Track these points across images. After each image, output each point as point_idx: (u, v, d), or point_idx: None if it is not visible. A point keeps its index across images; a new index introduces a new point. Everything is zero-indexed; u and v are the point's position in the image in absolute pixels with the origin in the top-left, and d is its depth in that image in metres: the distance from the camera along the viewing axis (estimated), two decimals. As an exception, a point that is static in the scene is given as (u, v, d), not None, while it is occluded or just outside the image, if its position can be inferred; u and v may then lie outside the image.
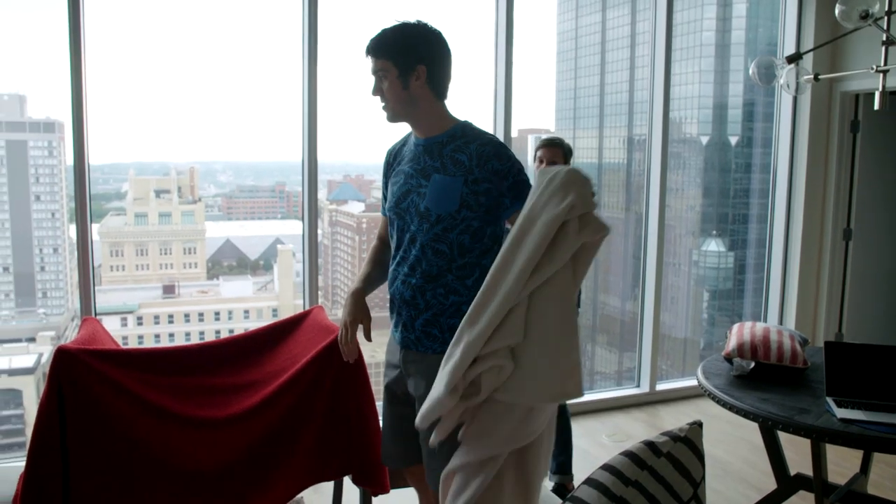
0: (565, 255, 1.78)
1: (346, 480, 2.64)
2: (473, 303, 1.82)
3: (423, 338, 2.08)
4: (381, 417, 2.44)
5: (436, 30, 2.13)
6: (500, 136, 4.29)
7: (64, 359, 2.19)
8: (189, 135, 5.75)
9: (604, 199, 6.20)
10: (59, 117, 5.54)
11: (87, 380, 2.18)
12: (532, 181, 2.00)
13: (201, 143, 5.92)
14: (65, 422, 2.17)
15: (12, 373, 5.58)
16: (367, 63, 2.13)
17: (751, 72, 4.22)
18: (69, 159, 5.52)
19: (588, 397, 5.15)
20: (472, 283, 2.07)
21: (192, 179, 6.05)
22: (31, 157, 5.58)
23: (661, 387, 5.33)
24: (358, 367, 2.36)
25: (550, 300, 1.80)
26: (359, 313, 2.21)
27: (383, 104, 2.13)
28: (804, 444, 3.09)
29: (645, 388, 5.28)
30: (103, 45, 4.04)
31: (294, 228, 6.22)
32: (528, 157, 5.07)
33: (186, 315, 5.84)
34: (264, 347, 2.51)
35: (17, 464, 3.99)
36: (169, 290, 5.86)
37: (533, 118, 5.94)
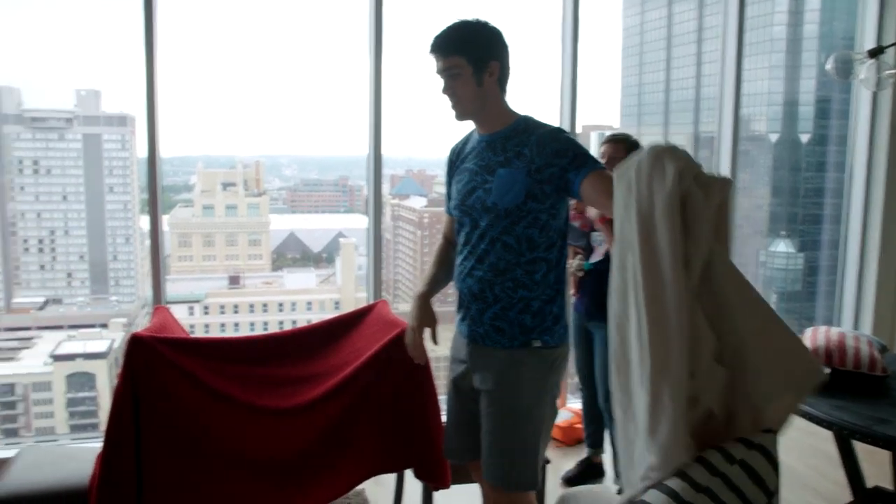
0: (707, 230, 1.52)
1: (408, 474, 2.65)
2: (642, 346, 1.53)
3: (491, 332, 2.07)
4: (444, 412, 2.43)
5: (496, 26, 2.11)
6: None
7: (137, 346, 2.24)
8: (255, 129, 5.86)
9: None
10: (131, 112, 5.72)
11: (159, 367, 2.23)
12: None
13: (267, 137, 6.03)
14: (138, 406, 2.23)
15: (87, 357, 5.78)
16: (433, 62, 2.09)
17: (828, 66, 4.07)
18: (140, 152, 5.68)
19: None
20: (540, 277, 2.05)
21: (258, 173, 6.17)
22: (106, 150, 5.76)
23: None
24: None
25: (724, 281, 1.56)
26: (425, 318, 2.20)
27: (453, 102, 2.09)
28: (881, 455, 2.97)
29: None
30: (174, 42, 4.13)
31: (356, 222, 6.29)
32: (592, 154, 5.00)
33: (251, 305, 5.96)
34: (329, 340, 2.53)
35: (92, 444, 4.13)
36: (234, 280, 5.99)
37: (597, 115, 5.87)
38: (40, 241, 5.78)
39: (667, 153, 1.53)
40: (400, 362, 2.34)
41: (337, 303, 6.06)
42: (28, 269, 5.85)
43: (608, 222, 3.03)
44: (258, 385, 2.36)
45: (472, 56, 2.03)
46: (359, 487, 2.65)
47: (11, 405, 5.74)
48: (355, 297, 5.98)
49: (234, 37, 5.39)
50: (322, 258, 6.28)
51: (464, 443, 2.24)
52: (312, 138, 6.02)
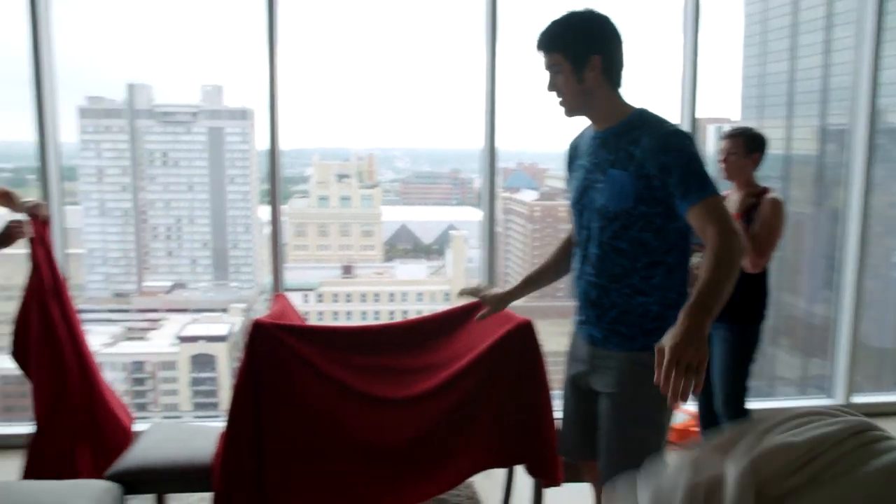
0: None
1: (518, 470, 2.64)
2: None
3: (610, 335, 2.01)
4: (559, 409, 2.41)
5: (604, 16, 2.01)
6: (686, 126, 4.10)
7: (259, 332, 2.32)
8: (369, 122, 5.96)
9: (791, 193, 5.78)
10: (251, 106, 5.93)
11: (279, 352, 2.31)
12: (707, 170, 1.85)
13: (381, 130, 6.11)
14: (259, 390, 2.32)
15: (209, 339, 6.06)
16: (540, 58, 2.05)
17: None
18: (260, 144, 5.88)
19: (768, 404, 4.84)
20: (659, 282, 1.95)
21: (371, 165, 6.28)
22: (228, 142, 6.01)
23: (857, 399, 4.90)
24: (537, 356, 2.34)
25: None
26: (504, 296, 2.22)
27: (559, 99, 2.04)
28: None
29: (839, 398, 4.87)
30: (292, 37, 4.24)
31: (468, 215, 6.31)
32: (708, 148, 4.80)
33: (363, 295, 6.09)
34: (443, 331, 2.54)
35: (214, 423, 4.33)
36: (347, 270, 6.14)
37: (716, 107, 5.65)
38: (168, 229, 6.09)
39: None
40: (514, 356, 2.33)
41: (447, 294, 6.10)
42: (156, 255, 6.18)
43: (742, 217, 2.92)
44: (373, 373, 2.41)
45: (569, 52, 1.96)
46: (468, 480, 2.66)
47: (141, 381, 6.08)
48: (465, 290, 5.99)
49: (349, 31, 5.50)
50: (433, 250, 6.34)
51: (579, 441, 2.20)
52: (425, 131, 6.08)
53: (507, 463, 2.61)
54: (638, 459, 2.01)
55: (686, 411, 3.80)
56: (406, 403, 2.38)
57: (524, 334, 2.33)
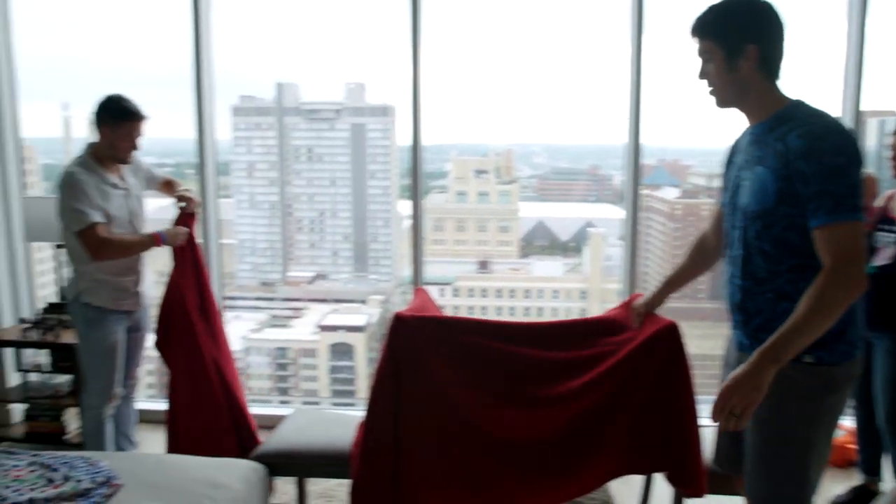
0: None
1: (657, 477, 2.55)
2: None
3: (755, 343, 1.87)
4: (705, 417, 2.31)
5: (765, 2, 1.87)
6: (848, 120, 3.82)
7: (400, 325, 2.36)
8: (508, 118, 5.94)
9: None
10: (392, 102, 6.05)
11: (419, 345, 2.34)
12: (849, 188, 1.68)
13: (519, 125, 6.08)
14: (398, 382, 2.36)
15: (348, 329, 6.27)
16: (693, 44, 1.94)
17: None
18: (400, 140, 5.99)
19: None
20: (805, 286, 1.80)
21: (509, 161, 6.27)
22: (369, 138, 6.16)
23: None
24: (681, 360, 2.25)
25: None
26: (650, 299, 2.27)
27: (710, 89, 1.93)
28: None
29: None
30: (434, 34, 4.29)
31: (606, 212, 6.18)
32: (870, 144, 4.44)
33: (498, 290, 6.10)
34: (587, 332, 2.49)
35: (351, 411, 4.47)
36: (483, 265, 6.16)
37: (882, 98, 5.24)
38: (311, 222, 6.32)
39: None
40: (658, 359, 2.25)
41: (583, 292, 6.01)
42: (300, 247, 6.43)
43: None
44: (513, 370, 2.39)
45: (723, 40, 1.83)
46: (604, 485, 2.59)
47: (284, 367, 6.36)
48: (602, 288, 5.89)
49: (490, 27, 5.50)
50: (570, 247, 6.25)
51: (733, 452, 2.10)
52: (564, 127, 5.98)
53: (647, 469, 2.53)
54: (784, 480, 1.88)
55: (843, 427, 3.52)
56: (547, 402, 2.34)
57: (669, 337, 2.24)
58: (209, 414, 3.50)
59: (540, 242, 6.31)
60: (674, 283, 2.28)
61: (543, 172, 6.46)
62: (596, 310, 5.84)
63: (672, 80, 4.26)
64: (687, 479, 2.33)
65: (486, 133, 6.32)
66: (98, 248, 3.25)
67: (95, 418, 3.58)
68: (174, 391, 3.52)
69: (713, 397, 1.78)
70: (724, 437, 2.14)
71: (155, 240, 3.34)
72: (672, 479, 2.39)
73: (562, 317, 5.98)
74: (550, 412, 2.32)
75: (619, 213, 5.32)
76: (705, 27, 1.88)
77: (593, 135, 5.87)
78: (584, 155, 6.47)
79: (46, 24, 4.93)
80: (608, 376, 2.28)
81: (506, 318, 6.08)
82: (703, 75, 1.91)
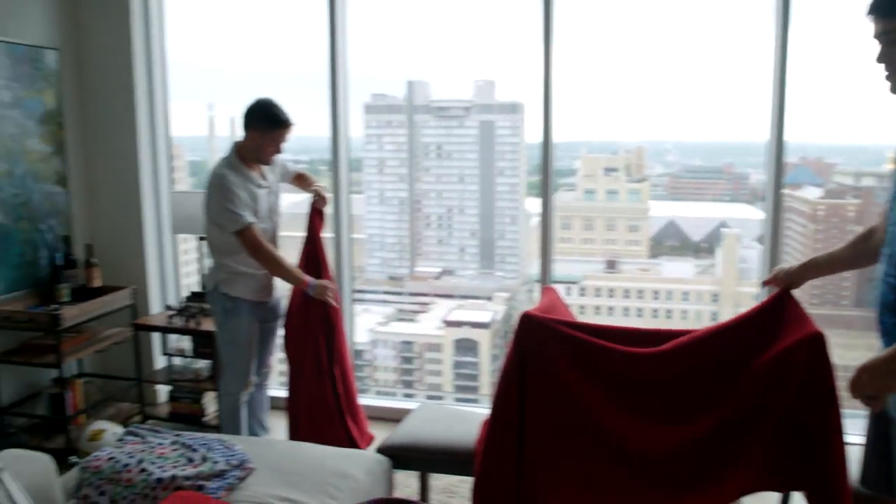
0: None
1: (796, 496, 2.42)
2: None
3: None
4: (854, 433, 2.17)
5: None
6: None
7: (528, 324, 2.35)
8: (639, 114, 5.79)
9: None
10: (522, 99, 6.03)
11: (547, 346, 2.32)
12: None
13: (651, 122, 5.92)
14: (524, 383, 2.34)
15: (473, 325, 6.31)
16: (869, 25, 1.79)
17: None
18: (529, 138, 5.96)
19: None
20: None
21: (640, 158, 6.11)
22: (498, 135, 6.17)
23: None
24: (826, 372, 2.11)
25: None
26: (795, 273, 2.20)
27: (887, 73, 1.78)
28: None
29: None
30: (565, 29, 4.23)
31: (741, 212, 5.92)
32: None
33: (626, 291, 5.97)
34: (724, 341, 2.38)
35: (474, 408, 4.49)
36: (611, 265, 6.05)
37: None
38: (439, 218, 6.40)
39: None
40: (801, 370, 2.12)
41: (715, 295, 5.78)
42: (428, 243, 6.52)
43: None
44: (643, 378, 2.32)
45: None
46: (738, 501, 2.48)
47: (409, 360, 6.48)
48: (735, 291, 5.66)
49: (621, 20, 5.37)
50: (702, 248, 6.03)
51: (882, 471, 1.96)
52: (698, 123, 5.77)
53: (785, 487, 2.40)
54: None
55: None
56: (678, 412, 2.26)
57: (815, 347, 2.11)
58: (321, 406, 3.64)
59: (670, 242, 6.12)
60: (821, 267, 2.19)
61: (675, 170, 6.25)
62: (728, 314, 5.62)
63: (817, 72, 4.03)
64: (829, 499, 2.18)
65: (616, 130, 6.19)
66: (253, 249, 3.49)
67: (232, 404, 3.78)
68: (293, 381, 3.69)
69: (856, 410, 1.69)
70: (871, 454, 2.00)
71: (302, 283, 3.57)
72: (812, 499, 2.24)
73: (691, 319, 5.79)
74: (682, 423, 2.24)
75: (755, 213, 5.08)
76: (888, 4, 1.73)
77: (729, 131, 5.61)
78: (718, 152, 6.21)
79: (195, 30, 5.24)
80: (745, 386, 2.17)
81: (633, 318, 5.94)
82: (882, 58, 1.77)
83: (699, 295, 5.82)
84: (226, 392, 3.79)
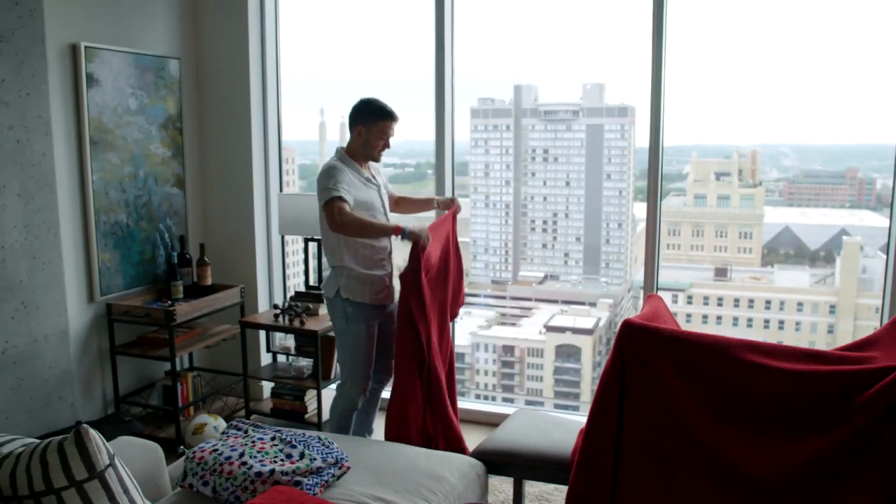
0: None
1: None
2: None
3: None
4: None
5: None
6: None
7: (630, 332, 2.29)
8: (754, 117, 5.58)
9: None
10: (631, 103, 5.91)
11: (648, 355, 2.25)
12: None
13: (767, 125, 5.68)
14: (624, 392, 2.29)
15: (575, 331, 6.24)
16: None
17: None
18: (637, 142, 5.84)
19: None
20: None
21: (754, 163, 5.87)
22: (606, 139, 6.07)
23: None
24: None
25: None
26: None
27: None
28: None
29: None
30: (676, 29, 4.12)
31: (865, 219, 5.60)
32: None
33: (736, 300, 5.75)
34: (840, 358, 2.23)
35: (573, 415, 4.44)
36: (721, 272, 5.84)
37: None
38: (544, 223, 6.36)
39: None
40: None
41: (833, 306, 5.48)
42: (533, 247, 6.49)
43: None
44: (751, 395, 2.19)
45: None
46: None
47: (510, 365, 6.47)
48: (856, 303, 5.35)
49: (735, 18, 5.18)
50: (819, 256, 5.74)
51: None
52: (818, 125, 5.49)
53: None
54: None
55: None
56: (788, 435, 2.13)
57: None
58: (415, 410, 3.61)
59: (785, 250, 5.85)
60: None
61: (792, 175, 5.97)
62: (846, 326, 5.32)
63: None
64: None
65: (729, 133, 5.98)
66: (336, 219, 3.38)
67: (348, 407, 3.84)
68: (396, 384, 3.70)
69: None
70: None
71: (395, 230, 3.49)
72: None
73: (805, 331, 5.51)
74: (790, 446, 2.11)
75: (881, 220, 4.79)
76: None
77: (853, 134, 5.32)
78: (840, 156, 5.89)
79: (306, 37, 5.41)
80: (860, 411, 2.02)
81: (743, 329, 5.71)
82: None
83: (815, 306, 5.54)
84: (343, 395, 3.83)
